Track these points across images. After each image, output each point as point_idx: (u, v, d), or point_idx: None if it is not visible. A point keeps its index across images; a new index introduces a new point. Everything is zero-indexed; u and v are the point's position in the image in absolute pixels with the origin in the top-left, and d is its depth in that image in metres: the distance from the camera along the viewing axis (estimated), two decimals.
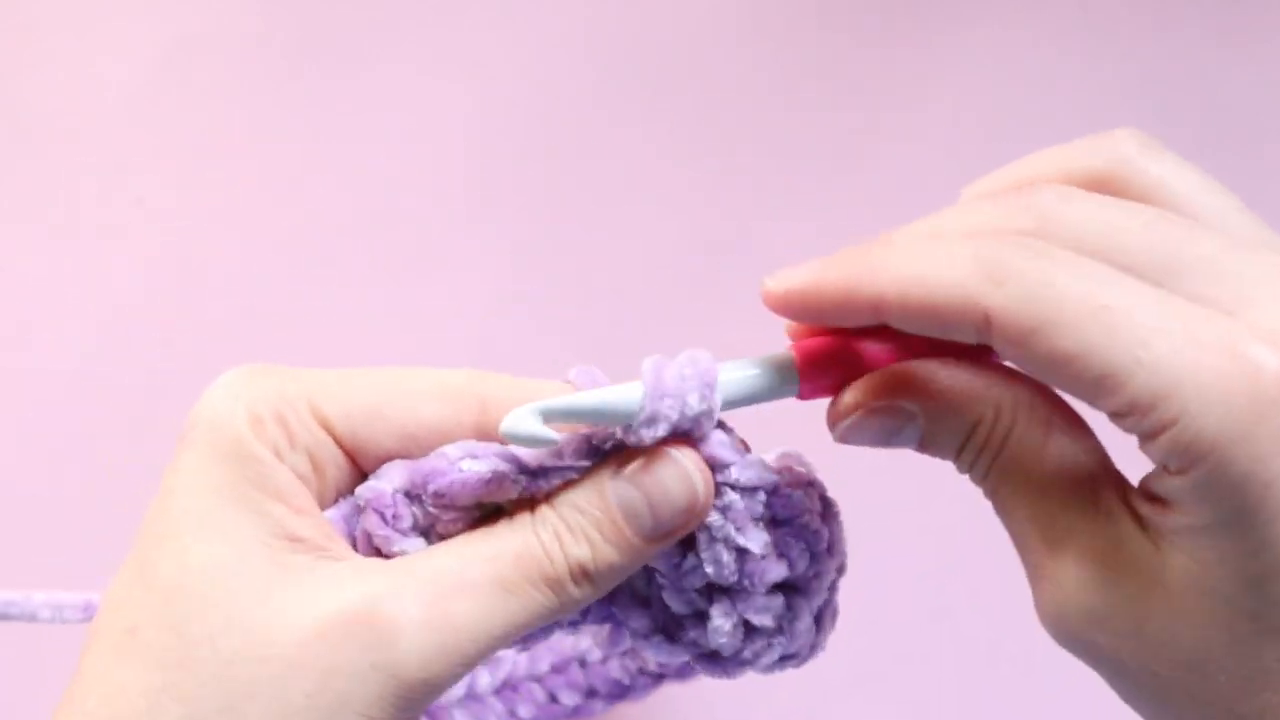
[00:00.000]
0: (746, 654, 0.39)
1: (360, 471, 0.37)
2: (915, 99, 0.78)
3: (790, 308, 0.35)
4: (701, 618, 0.38)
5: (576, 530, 0.35)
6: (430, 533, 0.36)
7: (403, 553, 0.36)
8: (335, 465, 0.36)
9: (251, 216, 0.77)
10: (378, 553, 0.36)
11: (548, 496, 0.36)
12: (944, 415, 0.35)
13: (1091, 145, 0.36)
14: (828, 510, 0.39)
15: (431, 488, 0.35)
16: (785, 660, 0.40)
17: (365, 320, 0.74)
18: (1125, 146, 0.35)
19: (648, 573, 0.38)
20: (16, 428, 0.73)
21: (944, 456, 0.36)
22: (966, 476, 0.37)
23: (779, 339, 0.38)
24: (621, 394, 0.35)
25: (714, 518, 0.37)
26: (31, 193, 0.78)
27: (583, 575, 0.35)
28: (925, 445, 0.36)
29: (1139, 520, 0.33)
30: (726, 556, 0.37)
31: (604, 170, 0.77)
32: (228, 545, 0.34)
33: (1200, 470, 0.30)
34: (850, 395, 0.36)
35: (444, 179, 0.77)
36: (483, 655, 0.34)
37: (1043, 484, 0.34)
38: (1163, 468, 0.32)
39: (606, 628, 0.39)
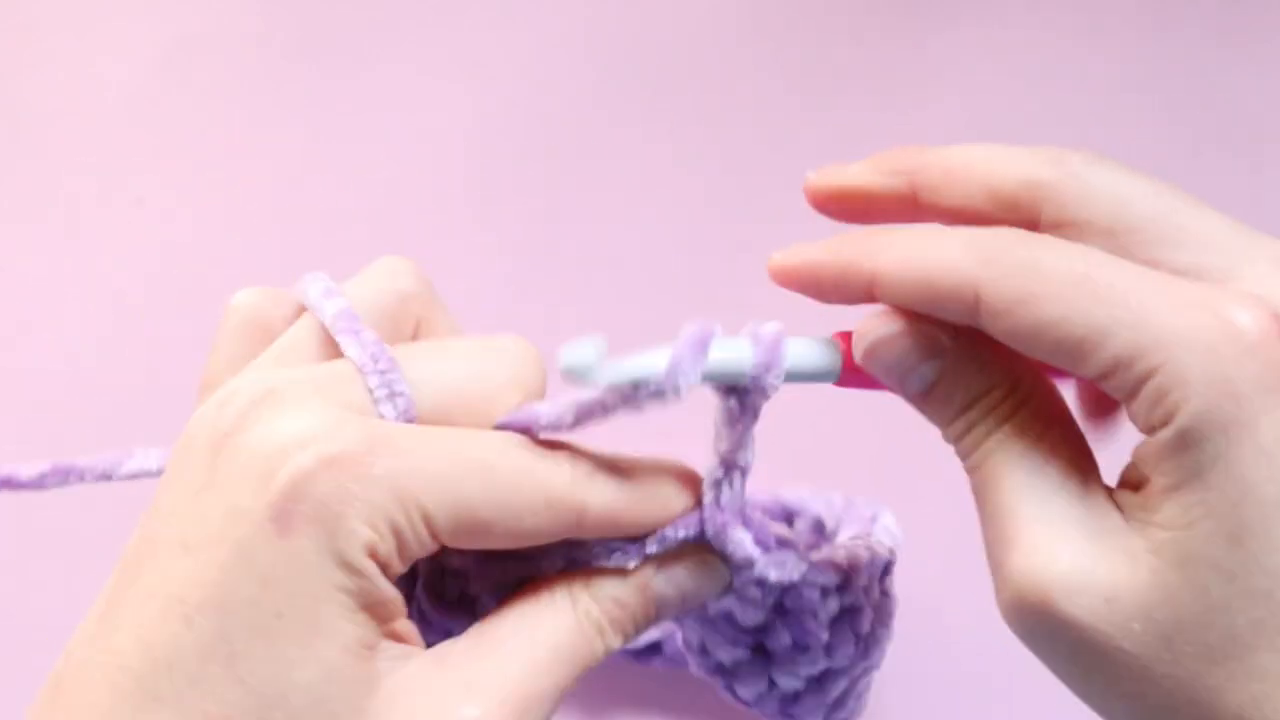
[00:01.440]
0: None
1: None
2: (915, 99, 0.78)
3: (791, 281, 0.38)
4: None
5: (617, 624, 0.37)
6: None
7: None
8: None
9: (251, 216, 0.77)
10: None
11: (570, 566, 0.37)
12: (968, 367, 0.36)
13: (1044, 154, 0.37)
14: (853, 608, 0.41)
15: None
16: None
17: None
18: (1072, 160, 0.37)
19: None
20: (16, 428, 0.73)
21: (944, 411, 0.37)
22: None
23: None
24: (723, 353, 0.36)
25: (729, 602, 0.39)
26: (31, 193, 0.78)
27: (607, 655, 0.37)
28: (933, 391, 0.37)
29: (1121, 511, 0.34)
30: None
31: (604, 170, 0.77)
32: (330, 657, 0.33)
33: (1183, 414, 0.32)
34: (889, 314, 0.37)
35: (444, 179, 0.77)
36: None
37: (1037, 465, 0.35)
38: (1147, 428, 0.33)
39: None
